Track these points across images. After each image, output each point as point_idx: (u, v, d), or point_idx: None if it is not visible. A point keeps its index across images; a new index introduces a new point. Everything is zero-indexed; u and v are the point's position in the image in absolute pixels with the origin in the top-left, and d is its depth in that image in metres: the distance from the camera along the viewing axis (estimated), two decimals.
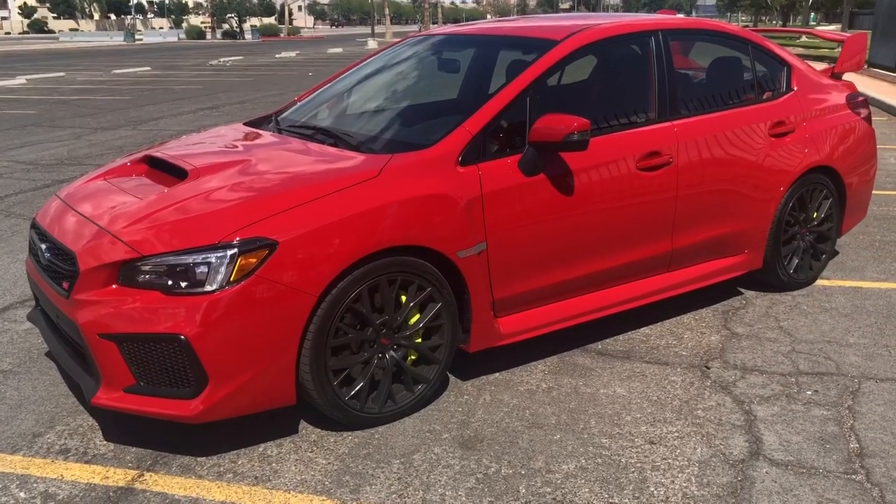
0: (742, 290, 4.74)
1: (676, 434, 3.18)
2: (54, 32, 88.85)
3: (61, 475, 2.93)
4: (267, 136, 3.93)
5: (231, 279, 2.82)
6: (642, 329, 4.20)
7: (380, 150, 3.45)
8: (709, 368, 3.75)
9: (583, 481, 2.87)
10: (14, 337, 4.19)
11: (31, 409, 3.43)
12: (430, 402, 3.43)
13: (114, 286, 2.92)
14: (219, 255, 2.83)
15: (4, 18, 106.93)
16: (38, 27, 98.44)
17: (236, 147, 3.77)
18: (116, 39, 64.32)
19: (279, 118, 4.32)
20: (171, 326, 2.80)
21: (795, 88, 4.59)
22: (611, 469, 2.94)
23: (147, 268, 2.88)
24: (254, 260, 2.84)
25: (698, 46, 5.04)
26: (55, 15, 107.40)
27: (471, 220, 3.27)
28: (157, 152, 3.74)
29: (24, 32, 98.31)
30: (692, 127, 4.04)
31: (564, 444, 3.11)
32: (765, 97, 4.50)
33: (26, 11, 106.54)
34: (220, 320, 2.80)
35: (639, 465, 2.97)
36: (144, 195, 3.25)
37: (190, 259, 2.84)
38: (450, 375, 3.67)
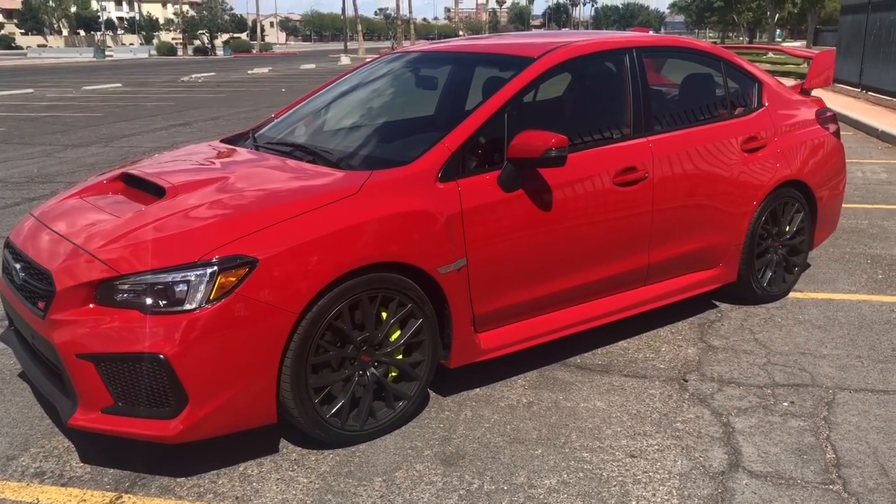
0: (717, 303, 4.80)
1: (657, 447, 3.20)
2: (22, 48, 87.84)
3: (37, 499, 2.88)
4: (245, 153, 3.93)
5: (211, 297, 2.80)
6: (620, 342, 4.23)
7: (359, 167, 3.45)
8: (686, 381, 3.79)
9: (565, 496, 2.87)
10: None
11: (4, 431, 3.37)
12: (411, 418, 3.42)
13: (91, 305, 2.89)
14: (198, 273, 2.81)
15: None
16: (6, 43, 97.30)
17: (214, 164, 3.75)
18: (86, 55, 63.78)
19: (256, 135, 4.31)
20: (150, 346, 2.77)
21: (766, 104, 4.68)
22: (593, 483, 2.95)
23: (125, 287, 2.85)
24: (234, 278, 2.83)
25: (670, 63, 5.13)
26: (23, 31, 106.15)
27: (451, 235, 3.29)
28: (134, 170, 3.71)
29: None
30: (667, 142, 4.10)
31: (546, 458, 3.12)
32: (737, 113, 4.58)
33: None
34: (200, 339, 2.78)
35: (620, 478, 2.98)
36: (121, 213, 3.22)
37: (169, 277, 2.82)
38: (430, 391, 3.66)
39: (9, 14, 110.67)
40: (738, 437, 3.27)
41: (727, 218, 4.38)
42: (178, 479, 3.00)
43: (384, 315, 3.19)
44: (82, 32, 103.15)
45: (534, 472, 3.03)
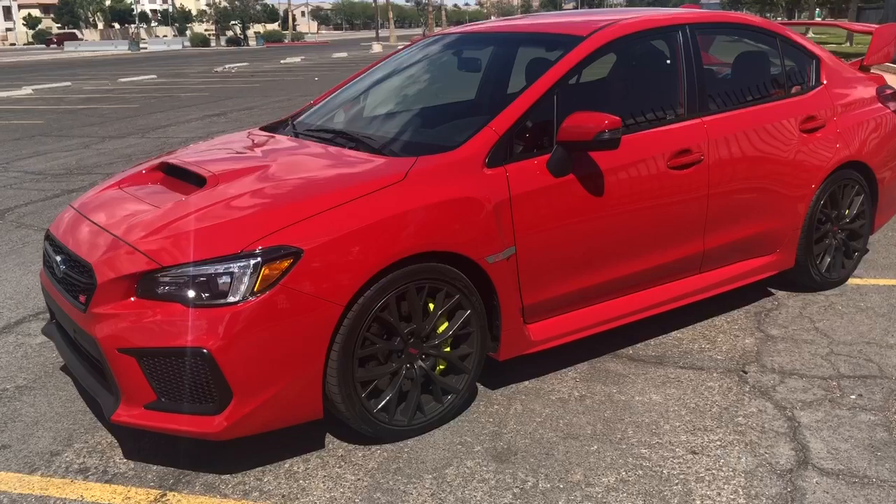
0: (773, 291, 4.60)
1: (719, 443, 3.05)
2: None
3: (81, 496, 2.82)
4: (285, 141, 3.82)
5: (255, 290, 2.71)
6: (673, 333, 4.07)
7: (403, 153, 3.33)
8: (746, 373, 3.62)
9: (625, 495, 2.74)
10: (28, 351, 4.08)
11: (48, 426, 3.32)
12: (459, 412, 3.31)
13: (132, 298, 2.81)
14: (241, 264, 2.72)
15: (9, 30, 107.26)
16: (43, 38, 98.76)
17: (254, 153, 3.66)
18: (121, 48, 64.44)
19: (296, 122, 4.21)
20: (193, 340, 2.68)
21: (825, 82, 4.46)
22: (653, 481, 2.81)
23: (167, 279, 2.76)
24: (278, 269, 2.73)
25: (719, 43, 4.92)
26: (59, 25, 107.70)
27: (499, 223, 3.15)
28: (174, 159, 3.63)
29: (28, 43, 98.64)
30: (722, 123, 3.91)
31: (602, 455, 2.99)
32: (793, 91, 4.37)
33: (31, 22, 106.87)
34: (244, 333, 2.69)
35: (682, 476, 2.84)
36: (162, 203, 3.14)
37: (211, 269, 2.73)
38: (478, 385, 3.55)
39: (46, 9, 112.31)
40: (805, 431, 3.10)
41: (784, 202, 4.19)
42: (222, 477, 2.92)
43: (431, 306, 3.08)
44: (117, 25, 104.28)
45: (590, 469, 2.90)
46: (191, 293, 2.73)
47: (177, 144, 10.68)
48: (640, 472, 2.87)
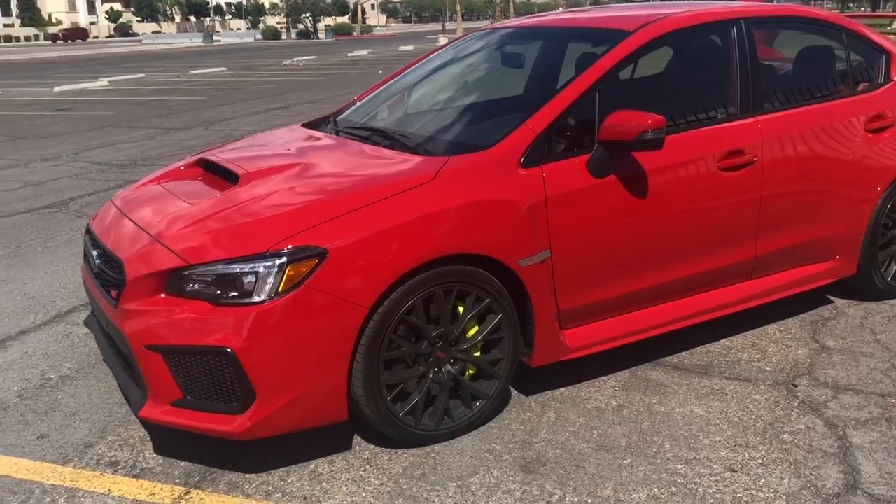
0: (832, 299, 4.37)
1: (760, 461, 2.89)
2: (138, 35, 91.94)
3: (109, 490, 2.85)
4: (323, 138, 3.79)
5: (279, 290, 2.67)
6: (722, 341, 3.90)
7: (437, 152, 3.25)
8: (796, 386, 3.43)
9: None
10: (75, 341, 4.17)
11: (85, 417, 3.37)
12: (490, 418, 3.22)
13: (162, 295, 2.82)
14: (266, 264, 2.69)
15: (93, 23, 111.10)
16: (124, 31, 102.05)
17: (290, 150, 3.63)
18: (196, 41, 66.07)
19: (337, 119, 4.18)
20: (217, 339, 2.67)
21: (895, 79, 4.20)
22: (686, 499, 2.68)
23: (194, 277, 2.76)
24: (303, 270, 2.69)
25: (784, 37, 4.69)
26: (139, 18, 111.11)
27: (533, 226, 3.05)
28: (212, 155, 3.64)
29: (110, 36, 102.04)
30: (778, 122, 3.72)
31: (635, 469, 2.87)
32: (860, 89, 4.13)
33: (113, 16, 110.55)
34: (268, 333, 2.67)
35: (718, 495, 2.70)
36: (195, 200, 3.15)
37: (237, 268, 2.71)
38: (512, 390, 3.46)
39: (126, 2, 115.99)
40: (857, 453, 2.92)
41: (847, 205, 3.96)
42: (247, 476, 2.91)
43: (461, 310, 3.00)
44: (193, 18, 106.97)
45: (621, 484, 2.79)
46: (216, 292, 2.72)
47: (238, 137, 10.84)
48: (674, 489, 2.75)
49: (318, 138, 3.81)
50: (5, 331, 4.32)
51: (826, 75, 4.09)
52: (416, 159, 3.18)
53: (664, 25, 3.56)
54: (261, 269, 2.69)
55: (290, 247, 2.71)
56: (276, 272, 2.68)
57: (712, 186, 3.49)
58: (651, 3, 4.96)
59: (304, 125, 4.23)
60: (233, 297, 2.70)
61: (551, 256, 3.13)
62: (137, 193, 3.46)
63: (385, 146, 3.44)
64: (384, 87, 4.44)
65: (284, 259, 2.69)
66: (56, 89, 20.41)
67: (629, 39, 3.46)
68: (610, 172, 3.23)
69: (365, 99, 4.39)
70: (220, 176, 3.38)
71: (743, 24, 3.74)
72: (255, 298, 2.68)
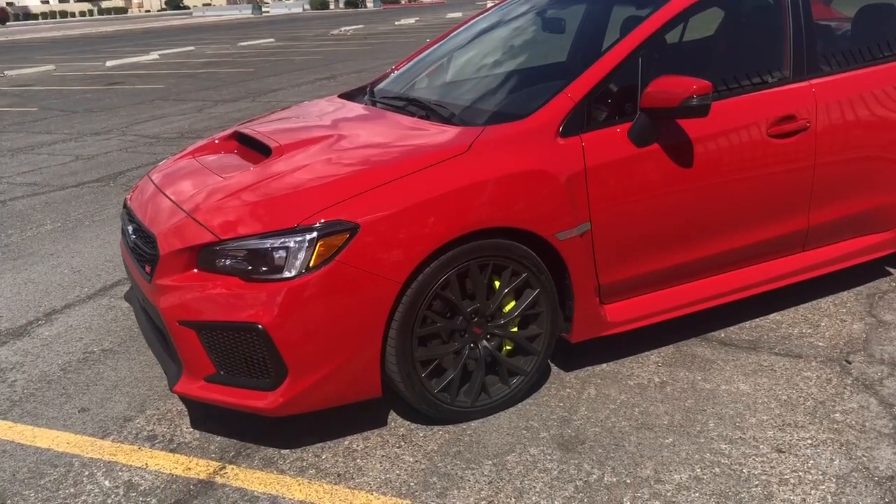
0: (891, 271, 4.17)
1: (810, 441, 2.77)
2: (189, 9, 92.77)
3: (146, 464, 2.87)
4: (358, 109, 3.72)
5: (310, 265, 2.63)
6: (772, 315, 3.75)
7: (473, 122, 3.16)
8: (850, 363, 3.28)
9: (697, 494, 2.53)
10: (118, 315, 4.22)
11: (126, 390, 3.40)
12: (528, 395, 3.16)
13: (195, 270, 2.80)
14: (297, 239, 2.65)
15: None
16: (175, 4, 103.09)
17: (325, 122, 3.57)
18: (245, 12, 66.35)
19: (374, 89, 4.10)
20: (248, 315, 2.64)
21: None
22: (730, 481, 2.58)
23: (226, 252, 2.73)
24: (334, 245, 2.64)
25: None
26: None
27: (572, 197, 2.95)
28: (246, 128, 3.60)
29: (162, 10, 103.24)
30: (834, 86, 3.52)
31: (677, 449, 2.77)
32: None
33: None
34: (299, 308, 2.63)
35: (763, 477, 2.60)
36: (227, 174, 3.11)
37: (268, 243, 2.67)
38: (551, 365, 3.38)
39: None
40: None
41: None
42: (282, 452, 2.90)
43: (497, 284, 2.92)
44: None
45: (662, 464, 2.70)
46: (248, 267, 2.69)
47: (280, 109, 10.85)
48: (717, 469, 2.65)
49: (354, 109, 3.75)
50: (52, 304, 4.40)
51: (887, 35, 3.85)
52: (452, 130, 3.09)
53: None
54: (291, 244, 2.65)
55: (321, 221, 2.66)
56: (307, 247, 2.64)
57: (762, 154, 3.33)
58: None
59: (340, 96, 4.17)
60: (264, 272, 2.67)
61: (591, 229, 3.03)
62: (172, 168, 3.45)
63: (420, 116, 3.36)
64: (422, 56, 4.34)
65: (315, 234, 2.64)
66: (108, 63, 20.72)
67: (674, 1, 3.30)
68: (653, 141, 3.10)
69: (402, 68, 4.31)
70: (254, 149, 3.35)
71: None
72: (286, 274, 2.64)
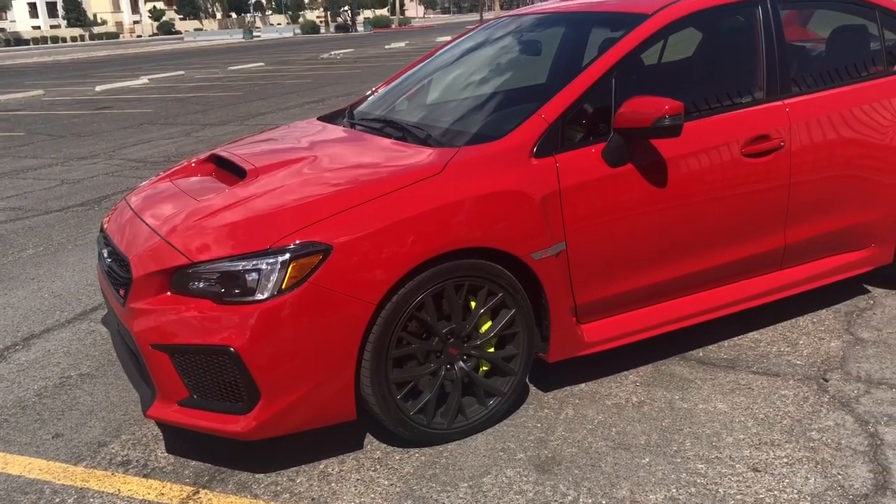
0: (869, 288, 4.19)
1: (786, 460, 2.77)
2: (180, 33, 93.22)
3: (118, 490, 2.84)
4: (336, 131, 3.74)
5: (283, 287, 2.63)
6: (751, 334, 3.76)
7: (448, 144, 3.17)
8: (827, 381, 3.29)
9: None
10: (97, 339, 4.19)
11: (101, 415, 3.37)
12: (506, 415, 3.15)
13: (168, 294, 2.79)
14: (269, 261, 2.64)
15: (136, 22, 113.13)
16: (167, 29, 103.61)
17: (302, 144, 3.58)
18: (236, 37, 66.73)
19: (354, 111, 4.12)
20: (221, 338, 2.63)
21: None
22: (706, 501, 2.57)
23: (198, 275, 2.72)
24: (307, 266, 2.64)
25: (821, 16, 4.50)
26: (181, 16, 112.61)
27: (547, 217, 2.96)
28: (223, 151, 3.61)
29: (153, 34, 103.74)
30: (807, 106, 3.56)
31: (654, 469, 2.76)
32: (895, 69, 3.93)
33: (156, 14, 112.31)
34: (272, 331, 2.62)
35: (739, 496, 2.59)
36: (202, 197, 3.11)
37: (240, 265, 2.67)
38: (530, 385, 3.37)
39: (169, 1, 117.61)
40: (888, 451, 2.78)
41: (882, 191, 3.78)
42: (256, 476, 2.87)
43: (473, 305, 2.92)
44: (234, 15, 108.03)
45: (638, 484, 2.69)
46: (220, 290, 2.68)
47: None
48: (693, 489, 2.64)
49: (332, 131, 3.76)
50: (30, 329, 4.37)
51: (859, 55, 3.90)
52: (427, 151, 3.11)
53: (684, 7, 3.42)
54: (264, 266, 2.64)
55: (294, 243, 2.66)
56: (280, 269, 2.63)
57: (736, 173, 3.35)
58: None
59: (319, 118, 4.19)
60: (236, 294, 2.66)
61: (566, 249, 3.04)
62: (149, 192, 3.45)
63: (397, 138, 3.37)
64: (401, 78, 4.37)
65: (288, 255, 2.64)
66: (98, 88, 20.76)
67: (647, 23, 3.33)
68: (627, 161, 3.12)
69: (382, 90, 4.33)
70: (230, 171, 3.35)
71: (769, 4, 3.58)
72: (259, 296, 2.63)
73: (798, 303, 3.97)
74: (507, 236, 2.87)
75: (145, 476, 2.91)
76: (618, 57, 3.21)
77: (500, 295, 2.93)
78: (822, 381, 3.29)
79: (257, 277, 2.64)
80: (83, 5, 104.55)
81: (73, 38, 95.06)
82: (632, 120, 3.01)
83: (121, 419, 3.34)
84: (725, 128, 3.35)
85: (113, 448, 3.11)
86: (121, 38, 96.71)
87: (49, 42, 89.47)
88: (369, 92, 4.43)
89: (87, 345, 4.12)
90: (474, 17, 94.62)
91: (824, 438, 2.88)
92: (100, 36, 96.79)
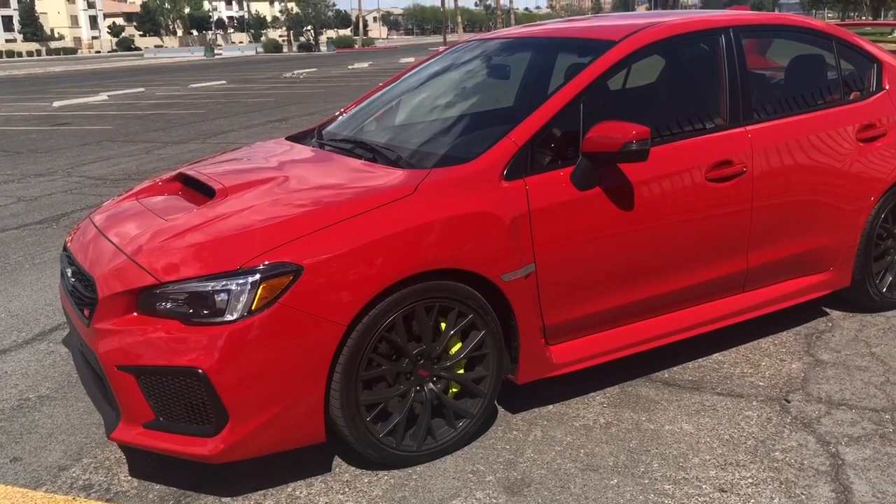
0: (828, 311, 4.29)
1: (750, 480, 2.81)
2: (140, 50, 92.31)
3: None
4: (305, 152, 3.73)
5: (252, 308, 2.60)
6: (715, 355, 3.82)
7: (419, 165, 3.19)
8: (789, 402, 3.35)
9: None
10: (57, 360, 4.10)
11: (62, 438, 3.29)
12: (475, 437, 3.14)
13: (134, 314, 2.75)
14: (239, 282, 2.62)
15: (95, 38, 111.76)
16: (126, 45, 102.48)
17: (270, 164, 3.57)
18: (197, 54, 66.27)
19: (323, 132, 4.12)
20: (189, 359, 2.60)
21: (887, 87, 4.13)
22: None
23: (166, 295, 2.69)
24: (277, 287, 2.62)
25: (780, 46, 4.63)
26: (141, 33, 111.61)
27: (517, 239, 2.98)
28: (190, 170, 3.58)
29: (112, 50, 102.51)
30: (768, 132, 3.65)
31: (622, 490, 2.78)
32: (851, 98, 4.06)
33: (115, 30, 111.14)
34: (240, 353, 2.59)
35: None
36: (170, 216, 3.08)
37: (209, 286, 2.64)
38: (499, 407, 3.38)
39: (129, 17, 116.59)
40: (849, 471, 2.83)
41: (840, 215, 3.89)
42: (223, 500, 2.83)
43: (443, 326, 2.93)
44: (195, 32, 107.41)
45: None
46: (188, 310, 2.65)
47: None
48: None
49: (301, 151, 3.75)
50: None
51: (817, 84, 4.03)
52: (397, 173, 3.12)
53: (650, 34, 3.50)
54: (233, 287, 2.62)
55: (264, 263, 2.64)
56: (249, 290, 2.61)
57: (700, 198, 3.42)
58: (642, 13, 4.90)
59: (287, 138, 4.17)
60: (205, 315, 2.63)
61: (536, 271, 3.06)
62: (114, 210, 3.40)
63: (367, 159, 3.38)
64: (371, 99, 4.38)
65: (258, 276, 2.62)
66: (55, 104, 20.41)
67: (613, 49, 3.40)
68: (595, 185, 3.16)
69: (351, 111, 4.34)
70: (198, 191, 3.32)
71: (731, 33, 3.68)
72: (228, 317, 2.61)
73: (760, 325, 4.04)
74: (477, 258, 2.89)
75: (108, 501, 2.85)
76: (586, 82, 3.26)
77: (471, 316, 2.94)
78: (784, 402, 3.35)
79: (227, 298, 2.62)
80: (40, 20, 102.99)
81: (30, 53, 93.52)
82: (600, 144, 3.06)
83: (82, 442, 3.26)
84: (690, 153, 3.42)
85: (74, 472, 3.04)
86: (79, 54, 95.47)
87: (4, 56, 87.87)
88: (338, 112, 4.43)
89: (45, 366, 4.02)
90: (437, 38, 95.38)
91: (788, 459, 2.93)
92: (57, 51, 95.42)
